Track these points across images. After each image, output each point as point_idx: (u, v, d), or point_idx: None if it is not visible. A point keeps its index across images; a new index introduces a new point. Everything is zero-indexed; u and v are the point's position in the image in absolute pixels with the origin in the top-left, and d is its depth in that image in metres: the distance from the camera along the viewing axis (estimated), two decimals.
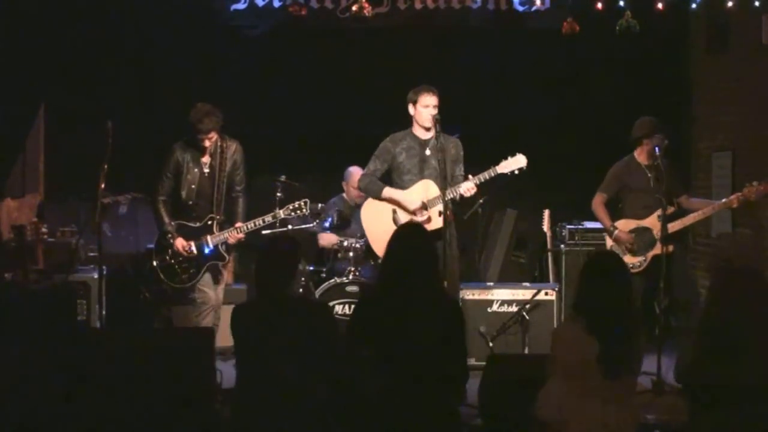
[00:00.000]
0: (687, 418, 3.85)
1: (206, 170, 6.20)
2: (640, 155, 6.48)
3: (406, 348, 3.91)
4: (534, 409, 3.76)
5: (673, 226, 6.21)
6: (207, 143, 6.15)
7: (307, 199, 6.15)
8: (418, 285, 4.02)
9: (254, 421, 3.98)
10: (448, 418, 4.01)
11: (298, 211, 6.15)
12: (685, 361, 3.80)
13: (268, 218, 6.14)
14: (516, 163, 5.90)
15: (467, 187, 5.86)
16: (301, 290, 7.06)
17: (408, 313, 3.94)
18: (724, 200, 6.34)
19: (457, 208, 5.99)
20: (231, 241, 6.13)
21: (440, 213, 5.71)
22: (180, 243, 6.09)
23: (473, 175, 5.88)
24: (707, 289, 4.07)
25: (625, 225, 6.41)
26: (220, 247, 6.14)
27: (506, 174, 5.93)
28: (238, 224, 6.15)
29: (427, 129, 5.97)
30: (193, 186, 6.18)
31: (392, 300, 4.00)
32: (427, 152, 5.98)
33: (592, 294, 3.81)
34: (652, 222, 6.30)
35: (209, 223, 6.16)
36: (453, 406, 4.13)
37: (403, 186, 6.03)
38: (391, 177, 6.12)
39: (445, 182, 5.83)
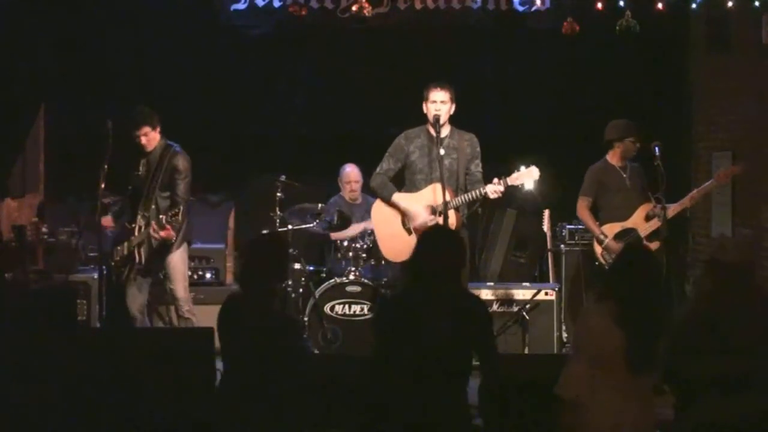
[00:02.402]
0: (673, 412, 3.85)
1: (141, 170, 6.20)
2: (613, 158, 6.55)
3: (426, 348, 3.90)
4: (556, 387, 3.75)
5: (653, 225, 6.23)
6: (143, 139, 6.13)
7: (178, 210, 5.92)
8: (444, 286, 3.99)
9: (233, 416, 4.01)
10: (461, 417, 4.02)
11: (175, 217, 5.93)
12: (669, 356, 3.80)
13: (159, 222, 5.99)
14: (528, 175, 5.68)
15: (494, 189, 5.64)
16: (301, 290, 7.07)
17: (431, 313, 3.92)
18: (698, 189, 6.38)
19: (465, 208, 5.91)
20: (156, 235, 6.02)
21: (439, 213, 5.67)
22: (104, 220, 6.27)
23: (499, 178, 5.67)
24: (694, 284, 4.10)
25: (610, 229, 6.41)
26: (135, 249, 6.13)
27: (517, 186, 5.75)
28: (153, 224, 6.04)
29: (433, 126, 5.79)
30: (130, 187, 6.25)
31: (415, 300, 3.99)
32: (442, 151, 5.74)
33: (623, 284, 3.80)
34: (635, 222, 6.35)
35: (133, 226, 6.18)
36: (469, 411, 4.13)
37: (415, 184, 5.90)
38: (404, 174, 5.98)
39: (456, 184, 5.80)
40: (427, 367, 3.88)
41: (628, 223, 6.37)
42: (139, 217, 6.16)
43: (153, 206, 6.12)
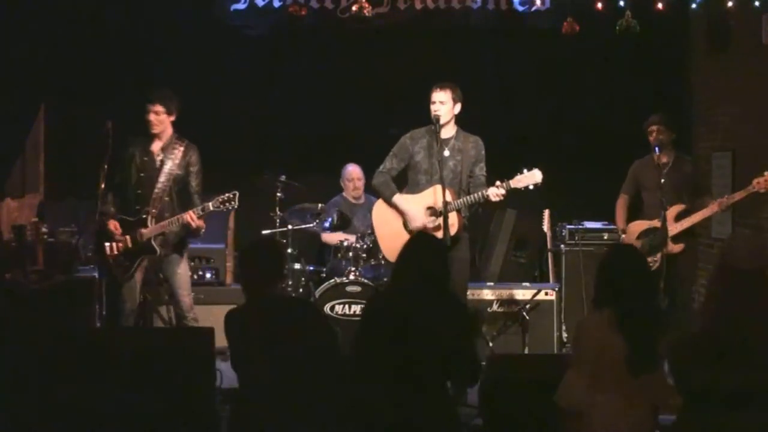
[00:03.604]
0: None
1: (157, 159, 6.07)
2: (655, 153, 6.46)
3: (412, 355, 3.92)
4: (555, 397, 3.75)
5: (680, 225, 6.20)
6: (152, 116, 6.01)
7: (236, 192, 5.90)
8: (429, 293, 4.03)
9: (255, 424, 3.99)
10: (448, 422, 4.03)
11: (228, 204, 5.89)
12: (676, 360, 3.76)
13: (198, 211, 5.91)
14: (531, 178, 5.66)
15: (495, 192, 5.64)
16: (301, 290, 7.07)
17: (417, 320, 3.95)
18: (731, 196, 6.32)
19: (467, 211, 5.90)
20: (193, 223, 5.91)
21: (440, 213, 5.66)
22: (112, 224, 6.01)
23: (501, 182, 5.66)
24: (706, 288, 4.03)
25: (638, 226, 6.43)
26: (152, 240, 5.99)
27: (520, 189, 5.70)
28: (190, 211, 5.94)
29: (434, 126, 5.79)
30: (142, 174, 6.06)
31: (401, 307, 4.01)
32: (446, 152, 5.76)
33: (615, 287, 3.79)
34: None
35: (144, 216, 6.02)
36: (454, 410, 4.15)
37: (417, 185, 5.89)
38: (407, 174, 5.98)
39: (459, 186, 5.79)
40: (408, 367, 3.89)
41: (656, 223, 6.34)
42: (150, 207, 6.02)
43: (167, 198, 6.04)
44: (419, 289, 4.04)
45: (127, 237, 6.03)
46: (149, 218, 6.01)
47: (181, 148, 6.09)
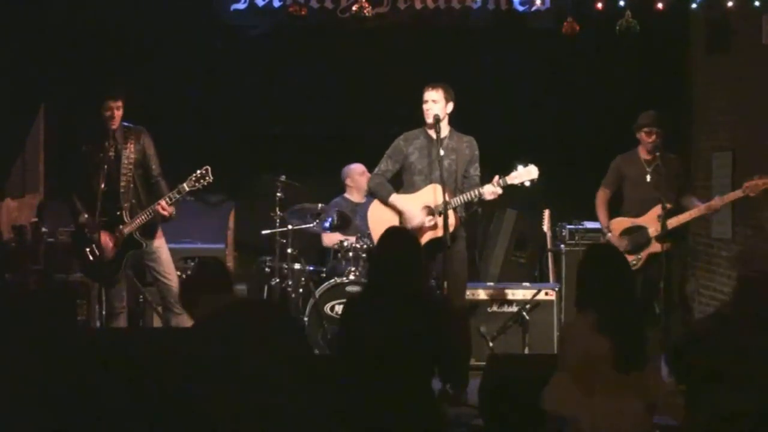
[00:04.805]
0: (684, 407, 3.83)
1: (111, 151, 6.03)
2: (641, 149, 6.47)
3: (389, 352, 3.92)
4: (540, 401, 3.76)
5: (669, 224, 6.19)
6: (116, 113, 6.00)
7: (208, 167, 5.86)
8: (402, 289, 4.02)
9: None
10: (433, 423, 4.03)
11: (202, 180, 5.86)
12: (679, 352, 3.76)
13: (174, 194, 5.88)
14: (527, 174, 5.69)
15: (491, 191, 5.67)
16: (301, 290, 7.07)
17: (392, 317, 3.95)
18: (722, 197, 6.32)
19: (463, 210, 5.90)
20: (164, 213, 5.91)
21: (439, 213, 5.66)
22: (104, 237, 5.97)
23: (498, 177, 5.69)
24: (735, 290, 4.01)
25: (619, 224, 6.41)
26: (134, 234, 6.00)
27: (516, 185, 5.73)
28: (161, 201, 5.93)
29: (430, 127, 5.83)
30: (104, 170, 5.98)
31: (377, 305, 4.02)
32: (441, 152, 5.73)
33: (595, 289, 3.79)
34: (647, 220, 6.28)
35: (118, 213, 6.00)
36: (439, 411, 4.14)
37: (414, 185, 5.90)
38: (403, 176, 5.98)
39: (455, 185, 5.79)
40: (385, 363, 3.89)
41: (640, 221, 6.32)
42: (121, 202, 5.99)
43: (132, 185, 6.02)
44: (394, 286, 4.02)
45: (109, 237, 6.00)
46: (124, 214, 6.01)
47: (132, 134, 6.08)
